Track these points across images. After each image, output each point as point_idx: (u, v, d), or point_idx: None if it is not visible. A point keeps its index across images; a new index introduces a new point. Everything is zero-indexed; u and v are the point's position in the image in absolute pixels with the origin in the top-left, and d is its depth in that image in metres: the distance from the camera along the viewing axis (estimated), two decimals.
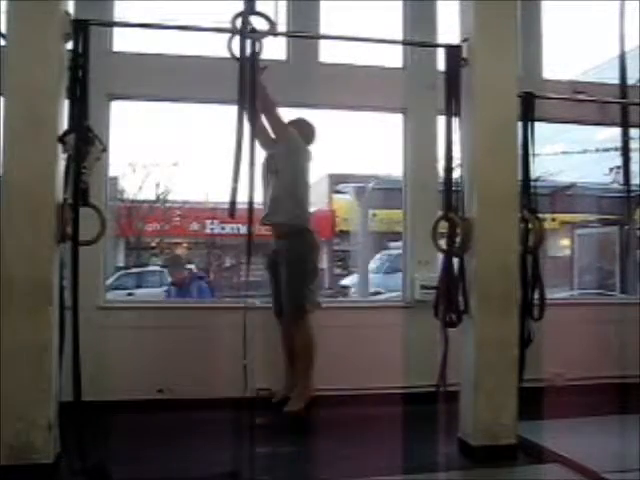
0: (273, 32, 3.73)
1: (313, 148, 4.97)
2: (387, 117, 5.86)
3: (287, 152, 4.68)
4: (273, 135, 4.72)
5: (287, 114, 4.83)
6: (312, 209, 5.02)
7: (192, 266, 11.27)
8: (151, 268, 16.26)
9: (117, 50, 5.09)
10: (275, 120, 4.62)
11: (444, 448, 4.05)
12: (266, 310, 4.88)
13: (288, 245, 4.63)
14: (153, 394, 4.74)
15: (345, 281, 16.42)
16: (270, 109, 4.55)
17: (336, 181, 18.25)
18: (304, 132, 4.88)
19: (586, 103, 5.37)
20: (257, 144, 3.96)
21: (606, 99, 5.47)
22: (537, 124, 4.57)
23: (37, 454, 3.35)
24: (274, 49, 3.76)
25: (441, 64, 4.17)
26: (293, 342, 4.63)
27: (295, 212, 4.66)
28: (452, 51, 4.02)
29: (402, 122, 5.54)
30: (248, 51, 3.62)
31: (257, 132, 3.94)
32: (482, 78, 3.95)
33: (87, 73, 3.57)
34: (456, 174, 4.06)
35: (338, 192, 18.18)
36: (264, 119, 4.59)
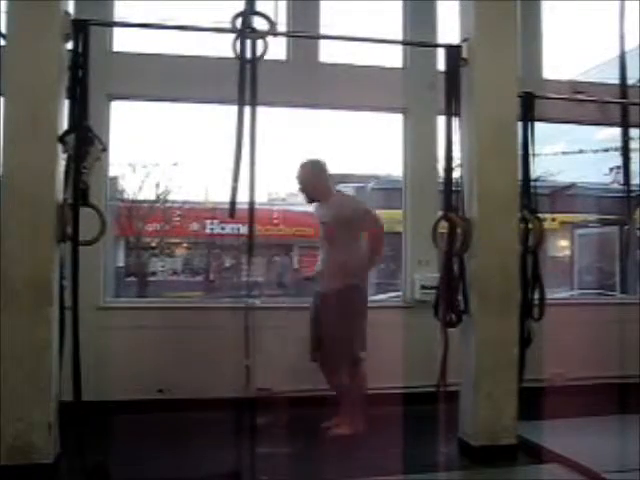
0: (273, 32, 3.73)
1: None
2: (387, 117, 5.86)
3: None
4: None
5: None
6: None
7: None
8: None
9: (117, 50, 5.09)
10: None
11: (444, 448, 4.05)
12: (266, 310, 4.89)
13: (338, 294, 4.31)
14: (153, 394, 4.75)
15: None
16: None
17: (336, 181, 18.23)
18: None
19: (586, 103, 5.37)
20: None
21: (606, 99, 5.47)
22: (537, 124, 4.57)
23: (37, 454, 3.35)
24: (274, 49, 3.75)
25: (441, 64, 4.18)
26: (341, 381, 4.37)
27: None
28: (452, 51, 4.02)
29: (402, 122, 5.55)
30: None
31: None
32: (482, 78, 3.96)
33: (87, 73, 3.57)
34: (456, 174, 4.06)
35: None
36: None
